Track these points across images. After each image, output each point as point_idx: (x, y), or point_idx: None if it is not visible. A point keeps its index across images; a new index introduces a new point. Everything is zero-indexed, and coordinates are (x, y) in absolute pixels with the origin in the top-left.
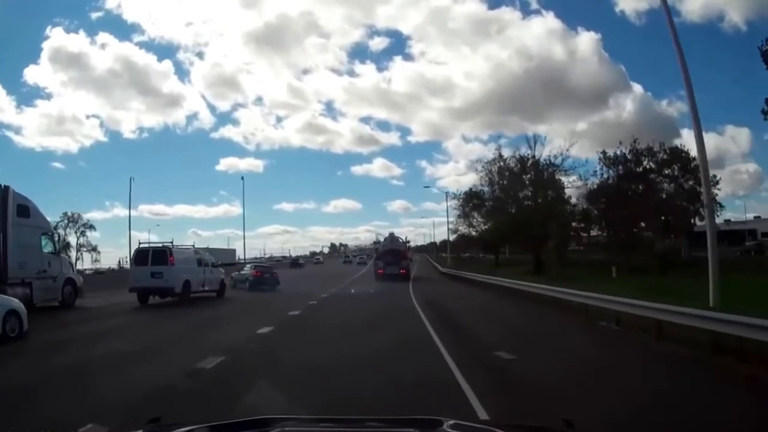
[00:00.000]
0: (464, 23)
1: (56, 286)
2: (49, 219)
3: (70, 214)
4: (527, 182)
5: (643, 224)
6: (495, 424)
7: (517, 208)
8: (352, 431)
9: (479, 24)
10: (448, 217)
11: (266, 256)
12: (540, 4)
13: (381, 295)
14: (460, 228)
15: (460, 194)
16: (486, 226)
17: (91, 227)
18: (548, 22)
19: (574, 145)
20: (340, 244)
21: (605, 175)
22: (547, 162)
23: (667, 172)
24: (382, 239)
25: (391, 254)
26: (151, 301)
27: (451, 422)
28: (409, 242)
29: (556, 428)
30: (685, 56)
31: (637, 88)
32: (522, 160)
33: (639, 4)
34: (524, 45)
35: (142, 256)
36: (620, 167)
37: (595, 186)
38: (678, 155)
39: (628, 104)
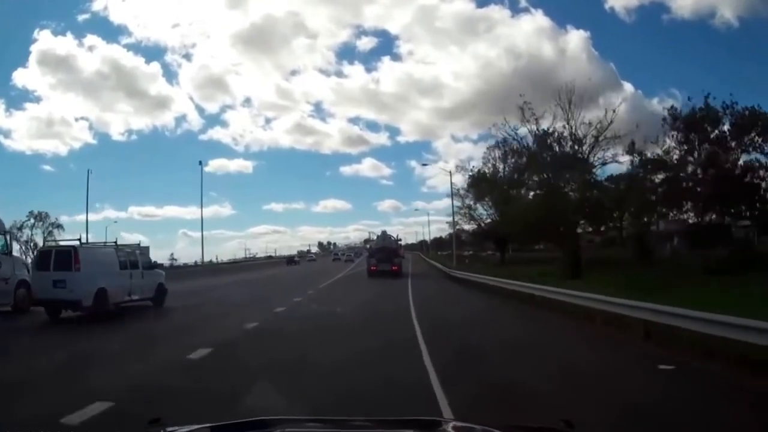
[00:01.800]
0: (452, 22)
1: (8, 289)
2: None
3: (36, 212)
4: (550, 160)
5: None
6: (495, 425)
7: (547, 190)
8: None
9: (467, 23)
10: (453, 202)
11: (250, 255)
12: (529, 2)
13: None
14: (460, 222)
15: (469, 170)
16: (493, 218)
17: (60, 227)
18: (537, 20)
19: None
20: (328, 243)
21: (675, 143)
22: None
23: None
24: (374, 237)
25: (384, 251)
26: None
27: (451, 423)
28: (400, 240)
29: (556, 428)
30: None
31: (628, 86)
32: (544, 135)
33: (629, 1)
34: (513, 44)
35: (43, 259)
36: (697, 133)
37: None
38: (756, 119)
39: (618, 102)
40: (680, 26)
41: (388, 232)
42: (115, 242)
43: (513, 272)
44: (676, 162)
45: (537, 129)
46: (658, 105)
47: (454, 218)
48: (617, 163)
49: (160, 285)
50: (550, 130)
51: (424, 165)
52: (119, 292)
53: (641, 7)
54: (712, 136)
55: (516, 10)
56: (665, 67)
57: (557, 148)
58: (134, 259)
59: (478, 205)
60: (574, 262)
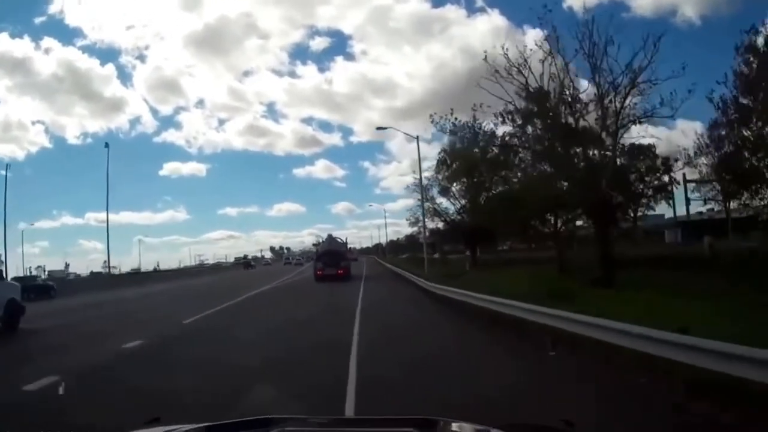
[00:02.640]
0: (407, 22)
1: None
2: None
3: None
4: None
5: None
6: (494, 424)
7: (556, 163)
8: (351, 431)
9: (422, 23)
10: (423, 194)
11: (200, 261)
12: (485, 2)
13: None
14: (421, 221)
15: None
16: (461, 211)
17: None
18: (493, 20)
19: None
20: (280, 247)
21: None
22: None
23: None
24: (321, 241)
25: (330, 255)
26: None
27: (450, 422)
28: (346, 242)
29: (556, 428)
30: None
31: (585, 84)
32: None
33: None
34: (468, 44)
35: None
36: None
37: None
38: None
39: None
40: (640, 24)
41: (335, 236)
42: None
43: (517, 280)
44: None
45: (526, 82)
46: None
47: (423, 197)
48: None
49: (11, 302)
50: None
51: (381, 128)
52: None
53: (600, 5)
54: None
55: (472, 10)
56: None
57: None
58: None
59: (442, 199)
60: (605, 263)
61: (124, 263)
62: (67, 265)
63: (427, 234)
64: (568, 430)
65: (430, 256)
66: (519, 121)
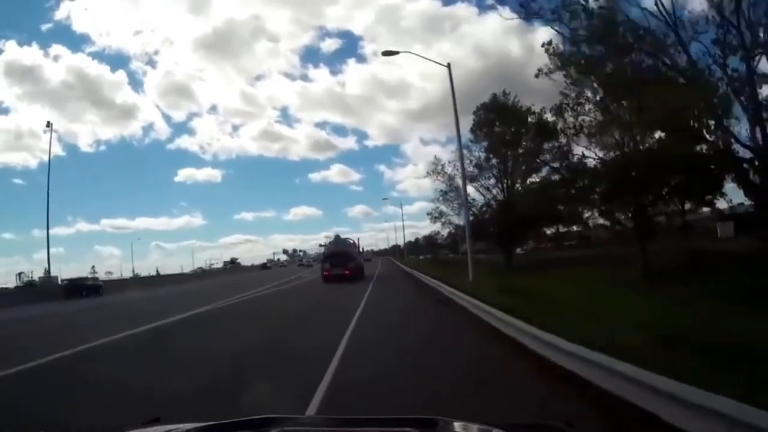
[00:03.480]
0: (417, 21)
1: None
2: None
3: None
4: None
5: None
6: (494, 424)
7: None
8: (351, 431)
9: (433, 21)
10: (465, 179)
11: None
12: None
13: None
14: (447, 213)
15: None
16: (497, 200)
17: None
18: (504, 17)
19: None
20: (294, 250)
21: None
22: None
23: None
24: (328, 242)
25: (337, 256)
26: None
27: (450, 422)
28: (355, 243)
29: (556, 427)
30: None
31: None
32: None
33: None
34: (480, 42)
35: None
36: None
37: None
38: None
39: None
40: None
41: (348, 234)
42: None
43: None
44: None
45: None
46: None
47: (467, 216)
48: None
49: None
50: None
51: (390, 53)
52: None
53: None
54: None
55: (482, 7)
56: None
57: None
58: None
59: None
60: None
61: (139, 268)
62: (93, 270)
63: (452, 230)
64: (568, 431)
65: (453, 256)
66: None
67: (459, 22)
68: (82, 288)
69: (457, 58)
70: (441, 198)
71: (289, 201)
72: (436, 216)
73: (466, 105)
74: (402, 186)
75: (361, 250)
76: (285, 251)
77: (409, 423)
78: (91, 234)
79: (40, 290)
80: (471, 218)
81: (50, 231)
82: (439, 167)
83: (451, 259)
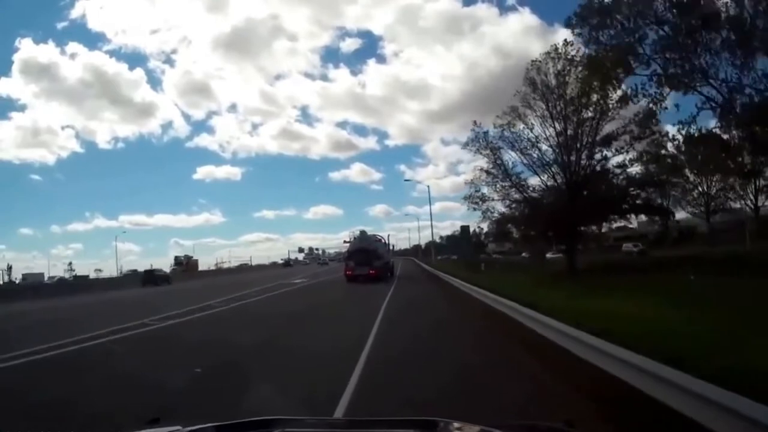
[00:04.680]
0: (437, 21)
1: None
2: None
3: None
4: None
5: None
6: (494, 424)
7: None
8: None
9: (453, 21)
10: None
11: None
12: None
13: None
14: (487, 203)
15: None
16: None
17: None
18: (525, 18)
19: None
20: (309, 249)
21: None
22: None
23: None
24: (353, 237)
25: (362, 253)
26: None
27: (450, 423)
28: (383, 240)
29: (556, 427)
30: None
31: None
32: None
33: None
34: (501, 43)
35: None
36: None
37: None
38: None
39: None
40: None
41: (369, 232)
42: None
43: None
44: None
45: None
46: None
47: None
48: None
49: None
50: None
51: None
52: None
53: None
54: None
55: (503, 8)
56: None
57: None
58: None
59: (511, 154)
60: None
61: (157, 264)
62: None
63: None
64: (568, 431)
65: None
66: None
67: (479, 22)
68: (156, 278)
69: (479, 58)
70: (482, 179)
71: (309, 199)
72: (475, 201)
73: (487, 105)
74: (422, 186)
75: (391, 247)
76: (301, 249)
77: (409, 424)
78: (109, 230)
79: (119, 280)
80: (520, 205)
81: (68, 227)
82: (481, 135)
83: (488, 261)
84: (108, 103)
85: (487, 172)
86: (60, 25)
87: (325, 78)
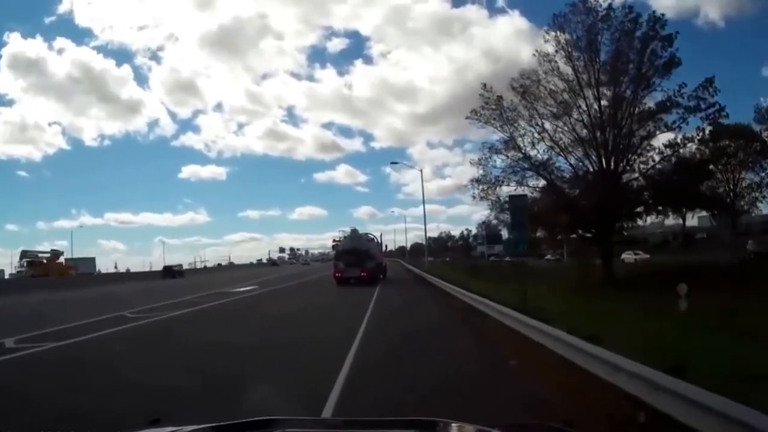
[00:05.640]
0: (426, 22)
1: None
2: None
3: None
4: None
5: None
6: (494, 425)
7: None
8: None
9: (442, 23)
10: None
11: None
12: (505, 3)
13: None
14: (497, 187)
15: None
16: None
17: None
18: (515, 21)
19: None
20: (290, 249)
21: None
22: None
23: None
24: (342, 237)
25: (353, 254)
26: None
27: (450, 423)
28: (375, 239)
29: (555, 427)
30: None
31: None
32: None
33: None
34: (490, 46)
35: None
36: None
37: None
38: None
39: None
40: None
41: (361, 232)
42: None
43: None
44: None
45: None
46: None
47: None
48: None
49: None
50: None
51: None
52: None
53: (623, 6)
54: None
55: (493, 10)
56: None
57: None
58: None
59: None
60: None
61: (145, 263)
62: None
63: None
64: (568, 431)
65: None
66: None
67: (468, 24)
68: (174, 272)
69: (468, 61)
70: (490, 155)
71: (294, 200)
72: (484, 187)
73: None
74: (408, 189)
75: (384, 248)
76: (282, 249)
77: (408, 424)
78: (94, 228)
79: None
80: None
81: (54, 223)
82: (492, 99)
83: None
84: (95, 100)
85: (497, 151)
86: (48, 20)
87: (311, 78)
